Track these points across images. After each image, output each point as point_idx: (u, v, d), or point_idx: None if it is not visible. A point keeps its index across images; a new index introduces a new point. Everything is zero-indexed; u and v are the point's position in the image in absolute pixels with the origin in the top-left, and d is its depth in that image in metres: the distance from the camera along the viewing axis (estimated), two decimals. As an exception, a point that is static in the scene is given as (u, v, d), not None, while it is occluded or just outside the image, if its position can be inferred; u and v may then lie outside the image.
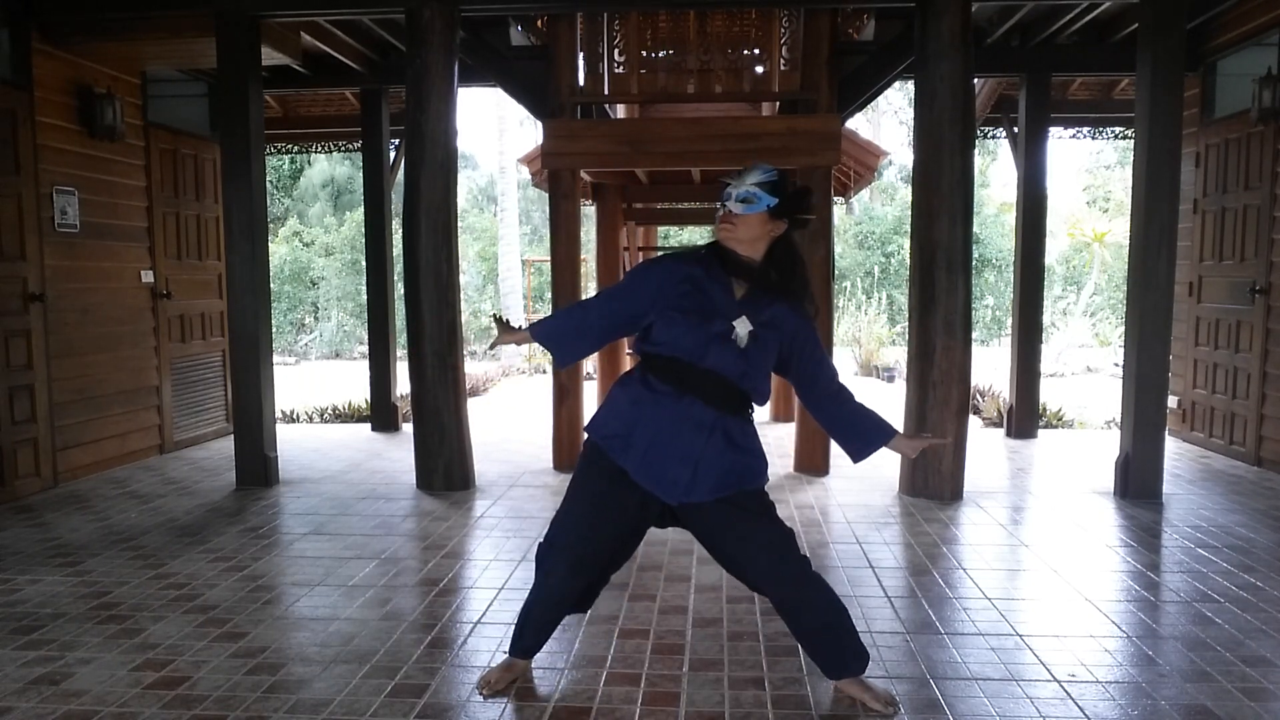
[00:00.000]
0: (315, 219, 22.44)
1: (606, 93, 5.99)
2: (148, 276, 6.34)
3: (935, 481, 5.09)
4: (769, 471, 2.66)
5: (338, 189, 23.21)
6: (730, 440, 2.54)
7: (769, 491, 2.67)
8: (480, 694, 2.73)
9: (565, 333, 2.72)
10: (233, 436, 5.62)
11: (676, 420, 2.51)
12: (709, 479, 2.52)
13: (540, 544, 2.73)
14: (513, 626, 2.83)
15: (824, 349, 2.65)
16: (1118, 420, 5.90)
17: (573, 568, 2.66)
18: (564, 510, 2.67)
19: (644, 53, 6.16)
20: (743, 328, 2.49)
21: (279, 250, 20.11)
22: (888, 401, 9.66)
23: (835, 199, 8.05)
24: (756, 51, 6.08)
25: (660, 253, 12.28)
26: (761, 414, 8.39)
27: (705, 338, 2.49)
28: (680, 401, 2.51)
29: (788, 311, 2.56)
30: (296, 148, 9.29)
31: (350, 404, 9.37)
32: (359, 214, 18.49)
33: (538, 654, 2.84)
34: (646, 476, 2.53)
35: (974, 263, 9.74)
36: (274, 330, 7.62)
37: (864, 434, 2.66)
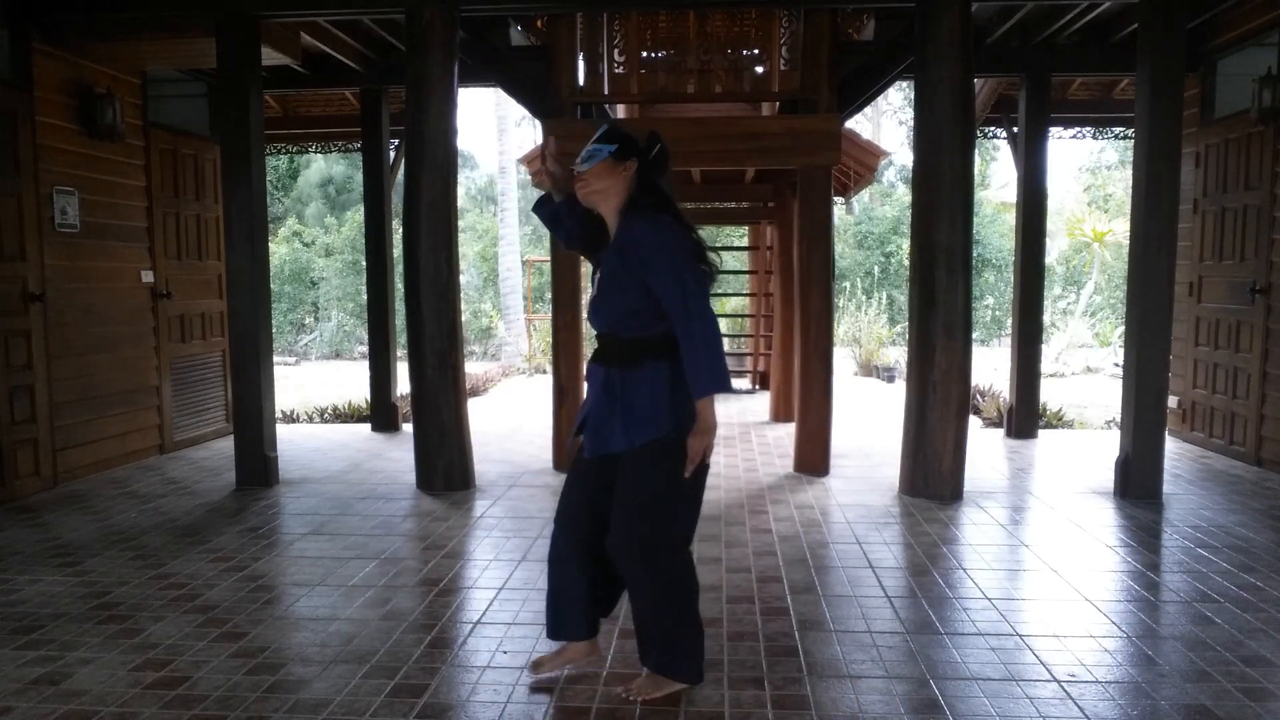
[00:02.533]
0: (313, 219, 22.45)
1: (606, 93, 5.99)
2: (148, 276, 6.34)
3: (935, 481, 5.09)
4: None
5: (336, 188, 23.22)
6: (610, 396, 2.58)
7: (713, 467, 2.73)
8: (530, 674, 2.82)
9: None
10: (233, 436, 5.62)
11: (590, 383, 2.70)
12: (592, 436, 2.63)
13: None
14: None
15: (673, 273, 2.47)
16: (1118, 420, 5.90)
17: (561, 523, 2.73)
18: None
19: (644, 53, 6.17)
20: (598, 272, 2.61)
21: (279, 250, 20.11)
22: (888, 401, 9.66)
23: (835, 199, 8.05)
24: (756, 52, 6.09)
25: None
26: (762, 414, 8.37)
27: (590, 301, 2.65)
28: (593, 365, 2.68)
29: (648, 230, 2.52)
30: (296, 148, 9.28)
31: (350, 404, 9.38)
32: (359, 214, 18.50)
33: (584, 637, 2.80)
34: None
35: (974, 263, 9.74)
36: (274, 330, 7.61)
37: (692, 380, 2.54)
